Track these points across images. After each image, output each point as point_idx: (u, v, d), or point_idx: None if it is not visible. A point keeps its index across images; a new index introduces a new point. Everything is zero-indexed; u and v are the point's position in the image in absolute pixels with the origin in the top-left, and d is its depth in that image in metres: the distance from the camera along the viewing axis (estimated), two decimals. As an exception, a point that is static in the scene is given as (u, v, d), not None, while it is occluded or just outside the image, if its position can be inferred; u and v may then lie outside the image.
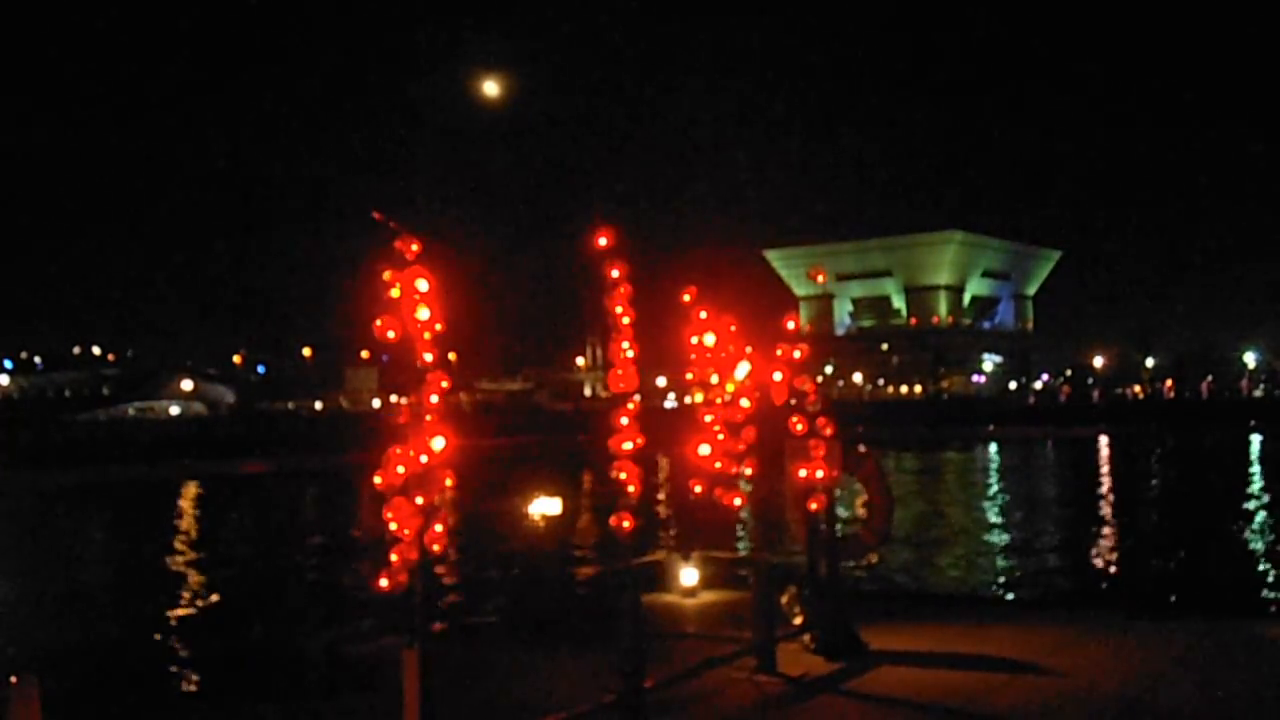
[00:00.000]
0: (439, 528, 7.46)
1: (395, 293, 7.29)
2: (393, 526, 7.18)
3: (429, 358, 7.47)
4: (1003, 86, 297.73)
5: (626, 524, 9.10)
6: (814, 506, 11.60)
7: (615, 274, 9.21)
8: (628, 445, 9.08)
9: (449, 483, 7.52)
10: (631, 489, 9.56)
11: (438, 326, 7.52)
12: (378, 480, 7.16)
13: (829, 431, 11.65)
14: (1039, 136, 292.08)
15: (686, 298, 10.87)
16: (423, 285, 7.43)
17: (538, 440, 77.84)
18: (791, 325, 11.63)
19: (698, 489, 10.66)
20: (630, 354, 9.47)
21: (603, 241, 9.07)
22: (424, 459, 7.36)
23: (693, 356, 11.01)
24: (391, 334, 7.27)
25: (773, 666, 10.90)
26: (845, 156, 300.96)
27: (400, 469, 7.21)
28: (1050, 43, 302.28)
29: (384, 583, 7.16)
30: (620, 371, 9.21)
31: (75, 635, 19.71)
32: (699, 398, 11.15)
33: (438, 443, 7.41)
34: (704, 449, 10.62)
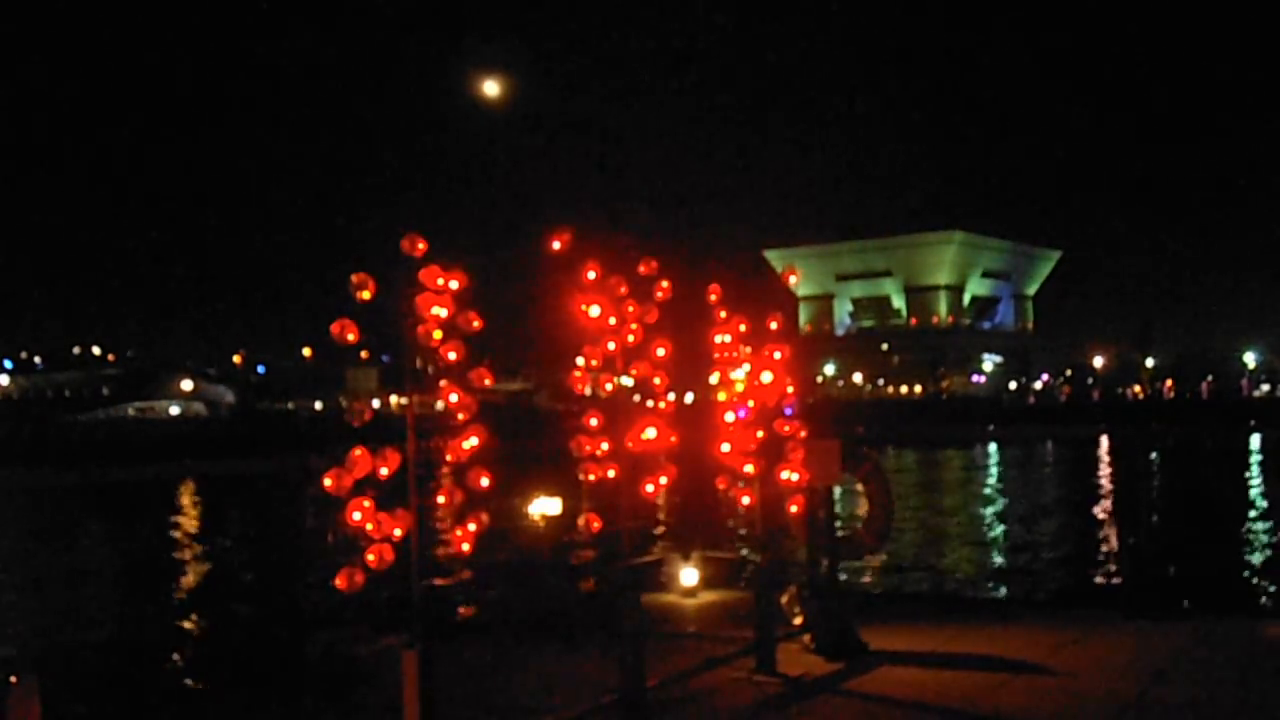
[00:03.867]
0: (472, 527, 7.45)
1: (365, 295, 7.19)
2: (369, 527, 7.06)
3: (453, 356, 7.43)
4: (1003, 87, 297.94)
5: (595, 525, 9.09)
6: (794, 509, 11.56)
7: (592, 275, 9.14)
8: (605, 447, 9.00)
9: (485, 482, 7.48)
10: (650, 489, 9.60)
11: (475, 324, 7.51)
12: (328, 483, 6.95)
13: (803, 434, 11.62)
14: (1039, 136, 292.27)
15: (713, 297, 10.99)
16: (453, 284, 7.41)
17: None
18: (774, 325, 11.60)
19: (722, 487, 11.00)
20: (661, 353, 9.54)
21: (556, 245, 8.95)
22: (449, 458, 7.36)
23: (716, 356, 11.08)
24: (351, 336, 7.16)
25: (773, 666, 10.90)
26: (846, 157, 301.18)
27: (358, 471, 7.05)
28: (1050, 44, 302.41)
29: (340, 583, 7.05)
30: (579, 374, 9.16)
31: (75, 635, 19.71)
32: (722, 397, 11.20)
33: (472, 441, 7.38)
34: (725, 447, 10.77)
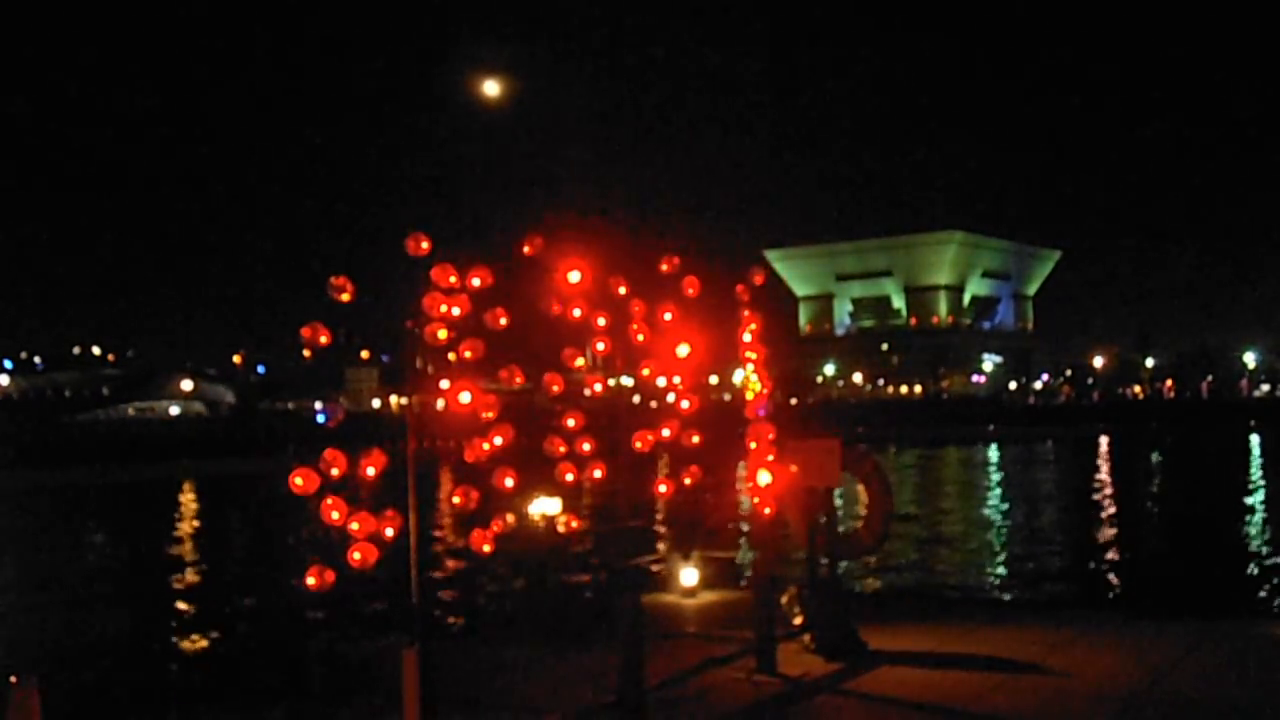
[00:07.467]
0: (497, 528, 7.43)
1: (345, 297, 7.12)
2: (354, 526, 6.98)
3: (468, 354, 7.40)
4: (1003, 87, 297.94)
5: (575, 524, 9.07)
6: (767, 511, 11.43)
7: (577, 275, 9.07)
8: (587, 447, 8.93)
9: (509, 482, 7.44)
10: (663, 489, 9.59)
11: (502, 321, 7.48)
12: (299, 482, 6.86)
13: (771, 436, 11.58)
14: (1039, 136, 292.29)
15: (744, 298, 11.01)
16: (475, 281, 7.40)
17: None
18: (754, 327, 11.54)
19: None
20: (685, 350, 9.55)
21: (527, 249, 8.87)
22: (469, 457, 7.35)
23: (749, 355, 11.09)
24: (324, 339, 7.08)
25: (773, 666, 10.90)
26: (846, 157, 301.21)
27: (336, 471, 6.96)
28: (1051, 44, 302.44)
29: (311, 581, 7.00)
30: (550, 375, 9.10)
31: (75, 635, 19.70)
32: (750, 395, 11.22)
33: (497, 439, 7.36)
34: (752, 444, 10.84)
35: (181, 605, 23.21)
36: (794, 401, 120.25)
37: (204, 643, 19.25)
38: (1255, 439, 78.61)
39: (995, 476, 56.30)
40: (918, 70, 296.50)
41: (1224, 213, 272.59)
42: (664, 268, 9.74)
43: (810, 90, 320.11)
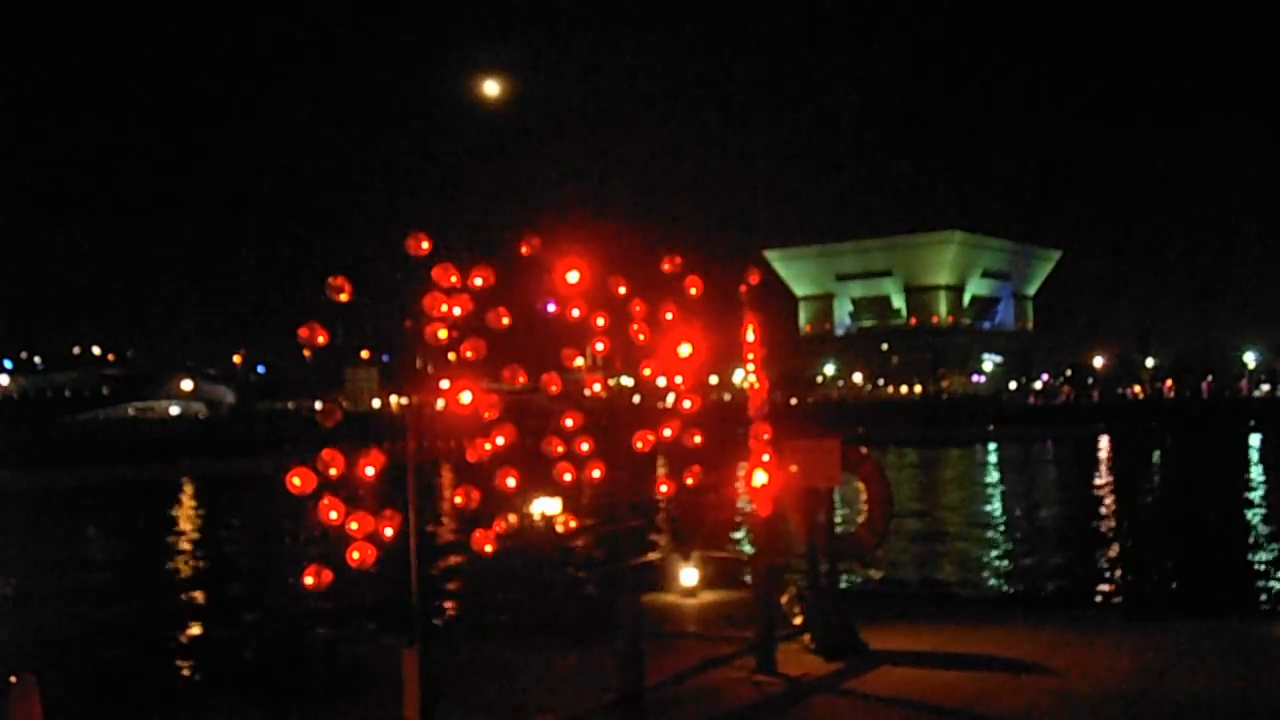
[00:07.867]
0: (500, 528, 7.43)
1: (343, 297, 7.11)
2: (353, 526, 6.97)
3: (469, 354, 7.40)
4: (1004, 87, 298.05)
5: (573, 523, 9.07)
6: (763, 513, 11.39)
7: (575, 276, 9.01)
8: (585, 447, 8.89)
9: (511, 482, 7.43)
10: (664, 489, 9.59)
11: (505, 320, 7.49)
12: (296, 482, 6.86)
13: (766, 437, 11.56)
14: (1039, 136, 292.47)
15: (745, 297, 11.02)
16: (478, 280, 7.40)
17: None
18: (751, 328, 11.51)
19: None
20: (687, 350, 9.56)
21: (524, 250, 8.82)
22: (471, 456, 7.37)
23: (750, 355, 11.09)
24: (321, 339, 7.07)
25: (773, 666, 10.90)
26: (846, 157, 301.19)
27: (334, 471, 6.96)
28: (1051, 44, 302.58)
29: (309, 580, 7.00)
30: (552, 374, 9.08)
31: (75, 634, 19.70)
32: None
33: (499, 438, 7.36)
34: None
35: (181, 604, 23.20)
36: (794, 401, 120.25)
37: (204, 641, 19.24)
38: (1255, 439, 78.64)
39: (995, 476, 56.30)
40: (918, 70, 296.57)
41: (1224, 213, 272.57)
42: (665, 267, 9.76)
43: (810, 90, 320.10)
